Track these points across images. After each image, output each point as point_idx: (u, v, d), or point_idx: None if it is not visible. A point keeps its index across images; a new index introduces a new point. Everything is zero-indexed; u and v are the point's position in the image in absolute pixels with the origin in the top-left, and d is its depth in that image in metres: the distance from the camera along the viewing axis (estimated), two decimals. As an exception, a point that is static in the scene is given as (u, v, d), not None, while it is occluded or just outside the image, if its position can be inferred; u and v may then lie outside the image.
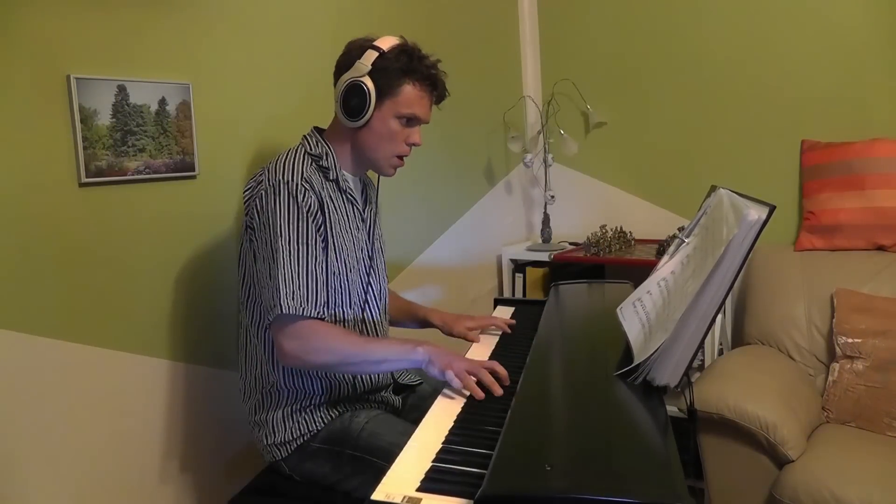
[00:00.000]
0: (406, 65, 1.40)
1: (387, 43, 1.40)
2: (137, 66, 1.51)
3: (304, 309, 1.30)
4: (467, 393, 1.25)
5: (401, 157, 1.49)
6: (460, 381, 1.26)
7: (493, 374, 1.28)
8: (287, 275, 1.30)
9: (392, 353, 1.36)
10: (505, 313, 1.85)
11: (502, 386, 1.27)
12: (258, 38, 1.78)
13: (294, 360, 1.32)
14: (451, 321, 1.69)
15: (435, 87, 1.46)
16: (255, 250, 1.38)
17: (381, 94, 1.40)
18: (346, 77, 1.39)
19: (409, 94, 1.42)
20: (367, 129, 1.43)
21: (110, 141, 1.46)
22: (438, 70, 1.46)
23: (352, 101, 1.39)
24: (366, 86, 1.38)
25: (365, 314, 1.52)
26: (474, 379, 1.26)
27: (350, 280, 1.46)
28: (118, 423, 1.52)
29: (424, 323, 1.74)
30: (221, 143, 1.70)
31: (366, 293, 1.52)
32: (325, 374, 1.45)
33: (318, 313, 1.32)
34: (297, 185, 1.35)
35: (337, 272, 1.43)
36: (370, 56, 1.38)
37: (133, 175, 1.51)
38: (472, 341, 1.62)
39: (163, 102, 1.55)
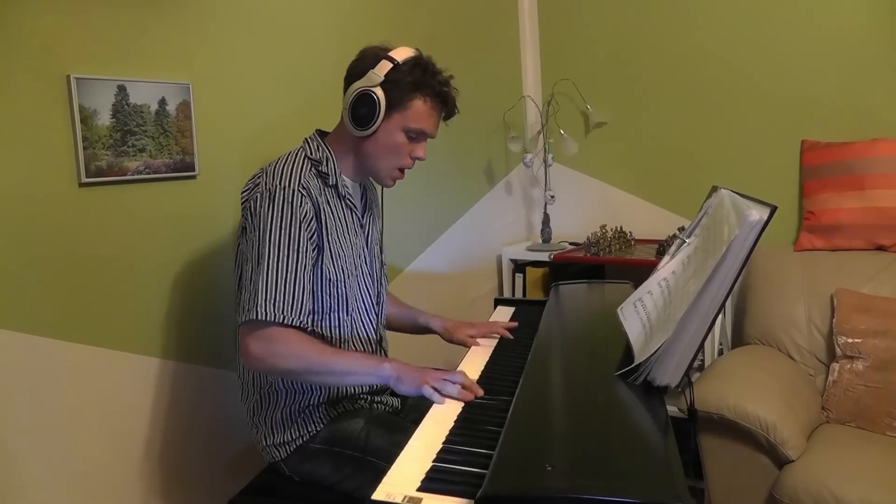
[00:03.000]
0: (419, 79, 1.38)
1: (402, 54, 1.39)
2: (137, 66, 1.51)
3: (284, 317, 1.28)
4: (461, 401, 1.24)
5: (402, 170, 1.47)
6: (440, 396, 1.26)
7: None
8: (269, 281, 1.28)
9: (358, 367, 1.34)
10: (505, 313, 1.85)
11: (503, 386, 1.27)
12: (258, 38, 1.78)
13: (258, 362, 1.30)
14: (452, 328, 1.68)
15: (445, 105, 1.45)
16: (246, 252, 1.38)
17: (391, 106, 1.38)
18: (358, 85, 1.37)
19: (419, 109, 1.40)
20: (372, 139, 1.41)
21: (110, 141, 1.46)
22: (451, 87, 1.44)
23: (360, 110, 1.37)
24: (376, 96, 1.36)
25: (362, 320, 1.51)
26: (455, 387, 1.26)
27: (347, 286, 1.45)
28: (118, 423, 1.52)
29: (425, 329, 1.73)
30: (221, 143, 1.70)
31: (363, 299, 1.51)
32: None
33: (300, 322, 1.30)
34: (293, 190, 1.34)
35: (334, 279, 1.42)
36: (384, 67, 1.37)
37: (133, 175, 1.51)
38: (472, 347, 1.61)
39: (163, 102, 1.55)
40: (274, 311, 1.27)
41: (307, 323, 1.33)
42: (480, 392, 1.26)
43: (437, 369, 1.34)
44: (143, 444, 1.58)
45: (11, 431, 1.34)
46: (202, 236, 1.68)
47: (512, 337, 1.65)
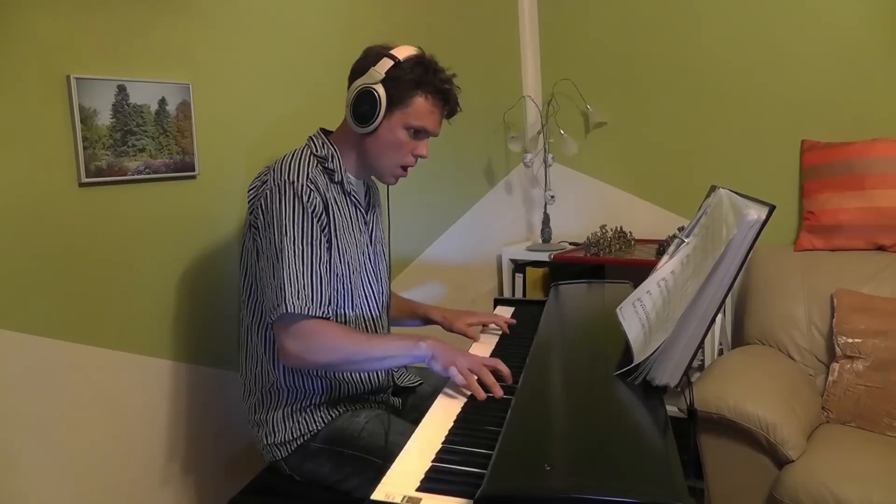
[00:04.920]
0: (420, 77, 1.39)
1: (403, 52, 1.40)
2: (137, 66, 1.51)
3: (308, 308, 1.30)
4: (468, 392, 1.26)
5: (404, 168, 1.48)
6: (464, 378, 1.27)
7: (496, 372, 1.29)
8: (292, 274, 1.30)
9: (395, 349, 1.36)
10: (505, 313, 1.85)
11: (503, 385, 1.27)
12: (259, 38, 1.78)
13: (296, 359, 1.32)
14: (451, 317, 1.70)
15: (447, 102, 1.46)
16: (258, 249, 1.38)
17: (392, 103, 1.39)
18: (360, 83, 1.39)
19: (420, 107, 1.41)
20: (374, 136, 1.42)
21: (110, 141, 1.46)
22: (452, 85, 1.45)
23: (362, 107, 1.38)
24: (377, 93, 1.37)
25: (366, 316, 1.52)
26: (476, 377, 1.27)
27: (352, 282, 1.46)
28: (118, 423, 1.52)
29: (425, 320, 1.74)
30: (221, 143, 1.70)
31: (367, 295, 1.52)
32: (325, 373, 1.45)
33: (322, 313, 1.32)
34: (302, 185, 1.35)
35: (340, 274, 1.43)
36: (385, 64, 1.38)
37: (133, 175, 1.51)
38: (472, 339, 1.63)
39: (163, 102, 1.55)
40: (299, 304, 1.29)
41: (329, 313, 1.34)
42: (499, 393, 1.25)
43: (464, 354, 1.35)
44: (143, 444, 1.58)
45: (11, 432, 1.34)
46: (202, 236, 1.68)
47: (508, 332, 1.66)
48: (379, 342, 1.39)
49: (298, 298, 1.29)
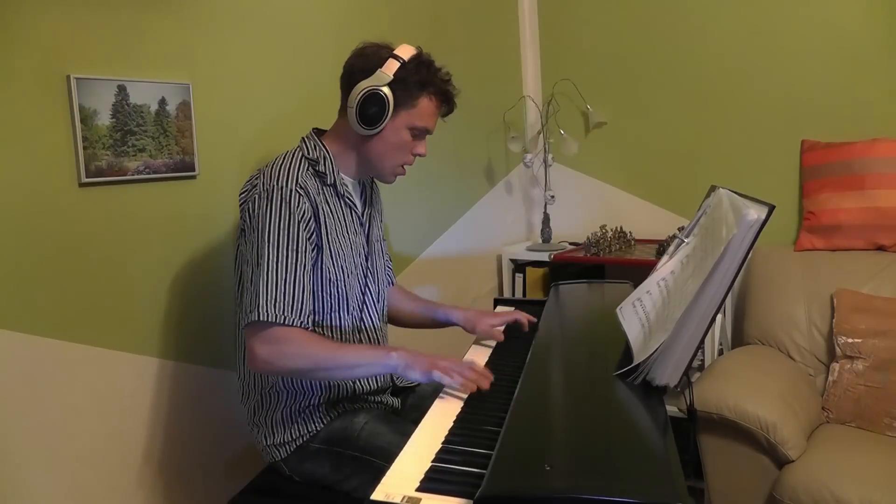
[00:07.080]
0: (425, 77, 1.40)
1: (406, 53, 1.40)
2: (137, 66, 1.51)
3: (285, 317, 1.28)
4: (465, 393, 1.25)
5: (403, 167, 1.49)
6: (451, 378, 1.27)
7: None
8: (269, 282, 1.29)
9: (365, 358, 1.35)
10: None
11: (502, 386, 1.27)
12: (258, 38, 1.78)
13: (265, 365, 1.30)
14: (474, 318, 1.67)
15: (448, 102, 1.47)
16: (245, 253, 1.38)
17: (398, 104, 1.39)
18: (366, 85, 1.37)
19: (425, 108, 1.42)
20: (378, 137, 1.42)
21: (110, 141, 1.46)
22: (452, 84, 1.46)
23: (370, 109, 1.37)
24: (386, 96, 1.37)
25: (363, 317, 1.52)
26: (461, 377, 1.27)
27: (348, 285, 1.46)
28: (118, 423, 1.52)
29: (446, 322, 1.72)
30: (221, 143, 1.70)
31: (363, 297, 1.52)
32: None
33: (301, 322, 1.30)
34: (290, 190, 1.34)
35: (334, 278, 1.42)
36: (392, 66, 1.37)
37: (133, 175, 1.51)
38: (496, 339, 1.61)
39: (163, 102, 1.55)
40: (275, 312, 1.27)
41: (308, 323, 1.33)
42: (486, 385, 1.26)
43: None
44: (143, 445, 1.58)
45: (11, 431, 1.34)
46: (202, 236, 1.68)
47: (527, 329, 1.65)
48: (349, 351, 1.37)
49: (274, 307, 1.27)
